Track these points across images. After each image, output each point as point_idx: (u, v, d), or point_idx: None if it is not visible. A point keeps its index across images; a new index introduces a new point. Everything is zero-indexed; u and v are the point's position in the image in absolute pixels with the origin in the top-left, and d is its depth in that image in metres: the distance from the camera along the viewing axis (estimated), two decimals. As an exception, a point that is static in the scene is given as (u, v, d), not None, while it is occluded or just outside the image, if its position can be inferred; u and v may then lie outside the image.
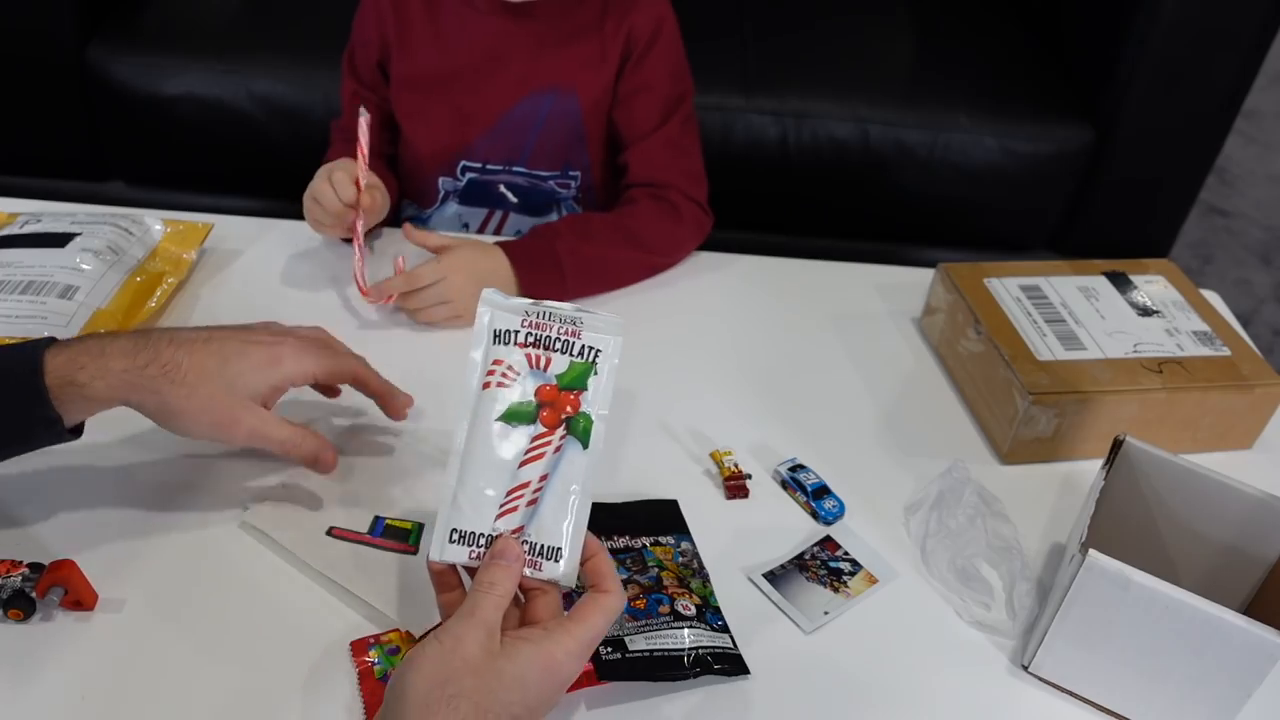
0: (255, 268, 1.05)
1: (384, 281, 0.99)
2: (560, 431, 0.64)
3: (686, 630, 0.72)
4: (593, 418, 0.65)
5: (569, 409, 0.64)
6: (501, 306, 0.65)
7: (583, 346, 0.65)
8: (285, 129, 1.63)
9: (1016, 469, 0.91)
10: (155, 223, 1.02)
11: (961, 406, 0.97)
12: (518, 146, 1.12)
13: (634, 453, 0.88)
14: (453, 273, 0.98)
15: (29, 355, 0.69)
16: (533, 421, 0.64)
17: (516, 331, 0.65)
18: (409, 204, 1.20)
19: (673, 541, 0.80)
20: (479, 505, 0.63)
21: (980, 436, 0.94)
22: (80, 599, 0.71)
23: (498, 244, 1.03)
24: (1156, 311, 0.98)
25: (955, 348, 0.99)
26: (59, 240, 0.97)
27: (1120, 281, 1.02)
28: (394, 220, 1.23)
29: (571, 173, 1.15)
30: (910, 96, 1.70)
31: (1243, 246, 2.44)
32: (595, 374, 0.65)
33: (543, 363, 0.65)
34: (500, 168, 1.14)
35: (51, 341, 0.70)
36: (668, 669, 0.70)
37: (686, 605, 0.74)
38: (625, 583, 0.75)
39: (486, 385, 0.64)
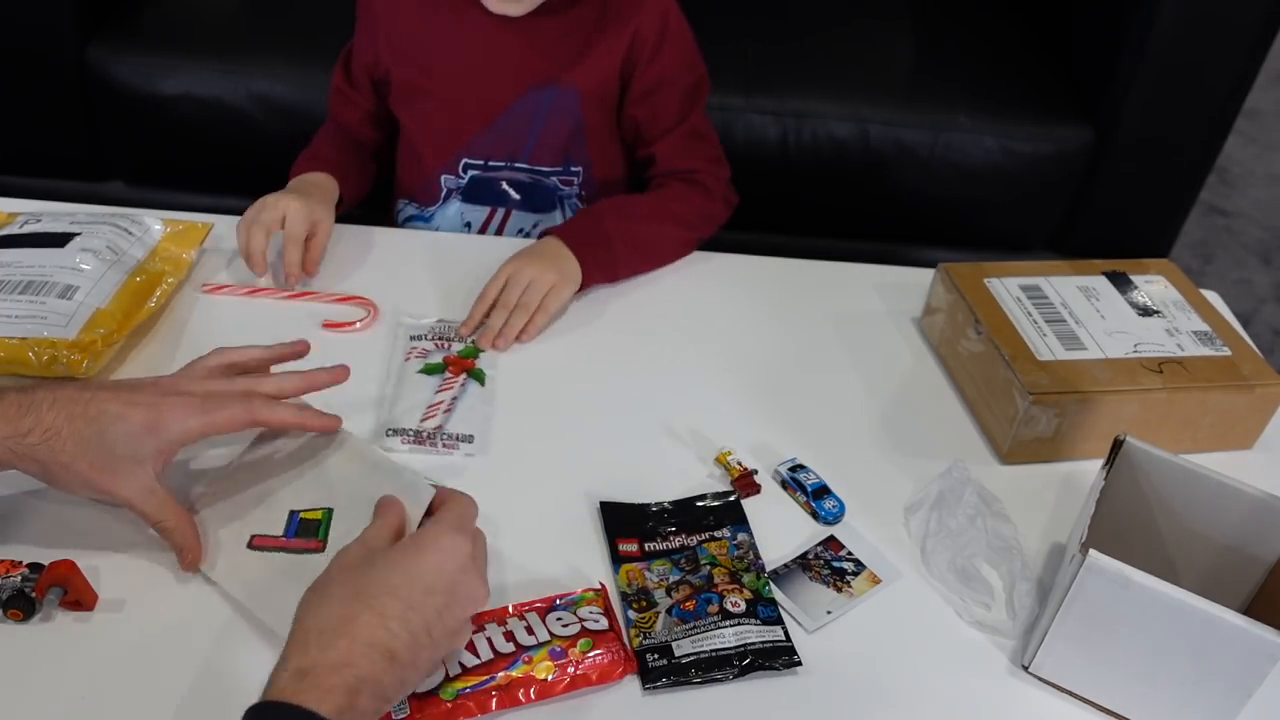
0: (255, 268, 1.05)
1: (467, 322, 0.98)
2: (463, 376, 0.93)
3: (734, 628, 0.73)
4: (485, 372, 0.94)
5: (468, 368, 0.94)
6: (411, 325, 0.98)
7: (469, 340, 0.97)
8: (285, 129, 1.63)
9: (1016, 469, 0.91)
10: (155, 223, 1.02)
11: (961, 406, 0.97)
12: (519, 142, 1.13)
13: (635, 454, 0.88)
14: (516, 267, 1.00)
15: None
16: (443, 372, 0.93)
17: (425, 334, 0.97)
18: (409, 203, 1.20)
19: (728, 534, 0.81)
20: (409, 413, 0.89)
21: (980, 436, 0.94)
22: (80, 599, 0.71)
23: (543, 232, 1.05)
24: (1157, 311, 0.98)
25: (955, 348, 0.99)
26: (58, 240, 0.96)
27: (1120, 281, 1.02)
28: (391, 219, 1.23)
29: (573, 168, 1.15)
30: (910, 96, 1.70)
31: (1243, 246, 2.44)
32: (483, 351, 0.96)
33: (445, 346, 0.96)
34: (502, 164, 1.14)
35: None
36: (714, 670, 0.71)
37: (736, 601, 0.75)
38: (678, 583, 0.77)
39: (408, 358, 0.94)
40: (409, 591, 0.62)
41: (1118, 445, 0.77)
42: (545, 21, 1.07)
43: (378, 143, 1.19)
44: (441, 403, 0.91)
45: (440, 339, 0.96)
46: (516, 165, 1.14)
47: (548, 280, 0.99)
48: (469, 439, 0.87)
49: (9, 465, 0.70)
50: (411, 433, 0.87)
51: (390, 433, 0.87)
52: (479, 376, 0.93)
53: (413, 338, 0.96)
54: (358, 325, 0.98)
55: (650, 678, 0.71)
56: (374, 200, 1.22)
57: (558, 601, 0.74)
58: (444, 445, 0.87)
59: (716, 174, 1.16)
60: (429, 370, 0.93)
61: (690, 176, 1.14)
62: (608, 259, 1.04)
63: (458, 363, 0.94)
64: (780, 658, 0.72)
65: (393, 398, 0.91)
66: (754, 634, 0.73)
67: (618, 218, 1.07)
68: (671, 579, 0.77)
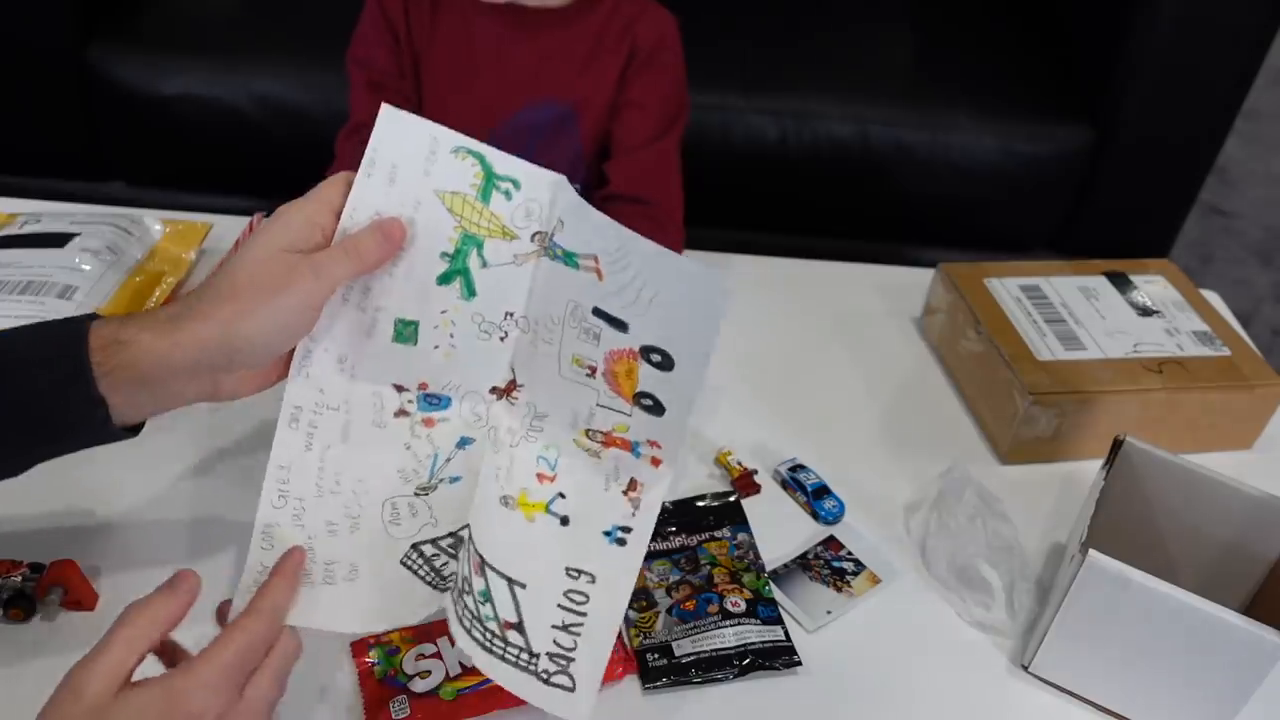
0: (255, 268, 1.04)
1: None
2: None
3: (735, 628, 0.73)
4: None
5: None
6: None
7: None
8: (285, 129, 1.63)
9: (1016, 469, 0.91)
10: (154, 223, 1.02)
11: (961, 406, 0.97)
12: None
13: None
14: None
15: (73, 325, 0.59)
16: None
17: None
18: None
19: (729, 534, 0.81)
20: None
21: (980, 436, 0.94)
22: (80, 599, 0.71)
23: None
24: (1156, 311, 0.98)
25: (955, 348, 0.99)
26: (58, 240, 0.96)
27: (1120, 281, 1.02)
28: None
29: (573, 185, 1.14)
30: (910, 96, 1.70)
31: (1243, 246, 2.44)
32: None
33: None
34: None
35: (96, 316, 0.61)
36: (714, 670, 0.71)
37: (736, 601, 0.75)
38: (678, 583, 0.77)
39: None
40: None
41: (1118, 445, 0.77)
42: (547, 37, 1.06)
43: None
44: None
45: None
46: None
47: None
48: None
49: (171, 333, 0.58)
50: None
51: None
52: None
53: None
54: None
55: (650, 677, 0.71)
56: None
57: (558, 601, 0.74)
58: None
59: (672, 214, 1.05)
60: None
61: (649, 212, 1.02)
62: None
63: None
64: (780, 657, 0.72)
65: None
66: (754, 634, 0.73)
67: None
68: (671, 579, 0.77)
